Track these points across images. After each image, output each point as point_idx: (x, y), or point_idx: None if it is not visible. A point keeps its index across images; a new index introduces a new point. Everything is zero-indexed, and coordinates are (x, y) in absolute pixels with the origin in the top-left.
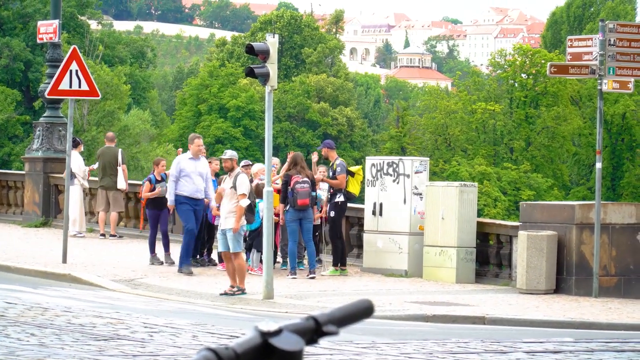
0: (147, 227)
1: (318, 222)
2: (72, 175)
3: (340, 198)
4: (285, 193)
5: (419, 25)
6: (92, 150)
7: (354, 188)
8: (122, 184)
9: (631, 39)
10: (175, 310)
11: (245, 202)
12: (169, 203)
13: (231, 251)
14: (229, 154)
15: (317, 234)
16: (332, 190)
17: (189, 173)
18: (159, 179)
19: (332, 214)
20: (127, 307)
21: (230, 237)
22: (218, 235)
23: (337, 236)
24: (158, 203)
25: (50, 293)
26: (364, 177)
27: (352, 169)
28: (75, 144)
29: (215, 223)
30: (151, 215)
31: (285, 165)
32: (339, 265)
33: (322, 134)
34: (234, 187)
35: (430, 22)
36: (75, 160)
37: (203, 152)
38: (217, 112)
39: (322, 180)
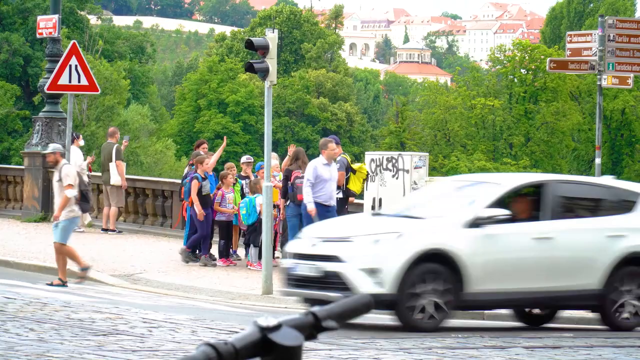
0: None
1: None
2: None
3: (338, 194)
4: (285, 188)
5: (418, 20)
6: (91, 145)
7: (354, 186)
8: (114, 179)
9: (630, 35)
10: (175, 306)
11: (72, 193)
12: (309, 208)
13: (55, 240)
14: (52, 147)
15: None
16: None
17: (325, 179)
18: (204, 177)
19: None
20: (126, 302)
21: (60, 227)
22: (52, 227)
23: None
24: (205, 203)
25: (49, 288)
26: (367, 175)
27: (355, 166)
28: (72, 139)
29: (217, 218)
30: (195, 214)
31: (286, 160)
32: None
33: (322, 129)
34: (60, 179)
35: (430, 17)
36: (73, 156)
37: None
38: (217, 107)
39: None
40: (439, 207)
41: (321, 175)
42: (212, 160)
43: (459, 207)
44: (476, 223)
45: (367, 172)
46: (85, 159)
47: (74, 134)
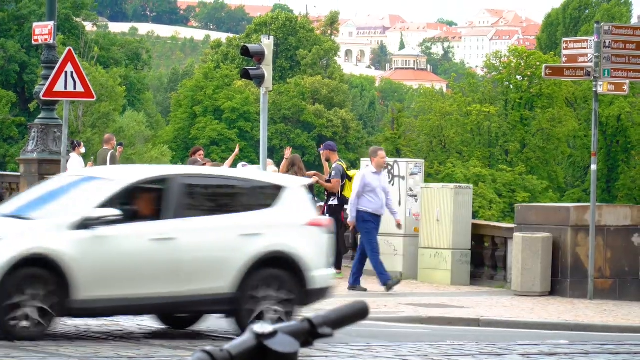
0: None
1: None
2: None
3: (333, 202)
4: None
5: (414, 27)
6: (87, 151)
7: (350, 192)
8: None
9: (626, 41)
10: None
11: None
12: (349, 220)
13: None
14: None
15: None
16: (327, 194)
17: (374, 188)
18: None
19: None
20: None
21: None
22: None
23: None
24: None
25: None
26: None
27: (351, 173)
28: (73, 147)
29: None
30: None
31: (283, 167)
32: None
33: (317, 135)
34: None
35: (426, 24)
36: (72, 163)
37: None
38: (212, 113)
39: (317, 183)
40: (52, 206)
41: (370, 183)
42: (224, 167)
43: (69, 206)
44: (84, 224)
45: None
46: (85, 166)
47: (75, 142)
